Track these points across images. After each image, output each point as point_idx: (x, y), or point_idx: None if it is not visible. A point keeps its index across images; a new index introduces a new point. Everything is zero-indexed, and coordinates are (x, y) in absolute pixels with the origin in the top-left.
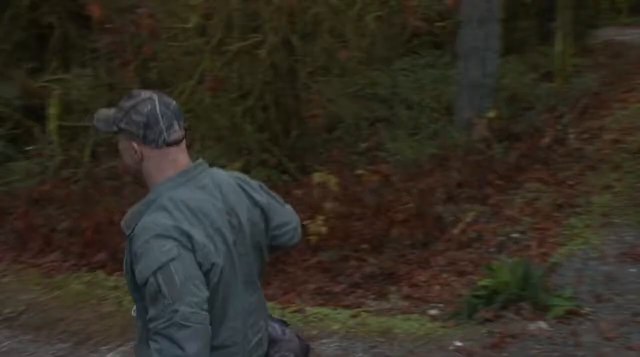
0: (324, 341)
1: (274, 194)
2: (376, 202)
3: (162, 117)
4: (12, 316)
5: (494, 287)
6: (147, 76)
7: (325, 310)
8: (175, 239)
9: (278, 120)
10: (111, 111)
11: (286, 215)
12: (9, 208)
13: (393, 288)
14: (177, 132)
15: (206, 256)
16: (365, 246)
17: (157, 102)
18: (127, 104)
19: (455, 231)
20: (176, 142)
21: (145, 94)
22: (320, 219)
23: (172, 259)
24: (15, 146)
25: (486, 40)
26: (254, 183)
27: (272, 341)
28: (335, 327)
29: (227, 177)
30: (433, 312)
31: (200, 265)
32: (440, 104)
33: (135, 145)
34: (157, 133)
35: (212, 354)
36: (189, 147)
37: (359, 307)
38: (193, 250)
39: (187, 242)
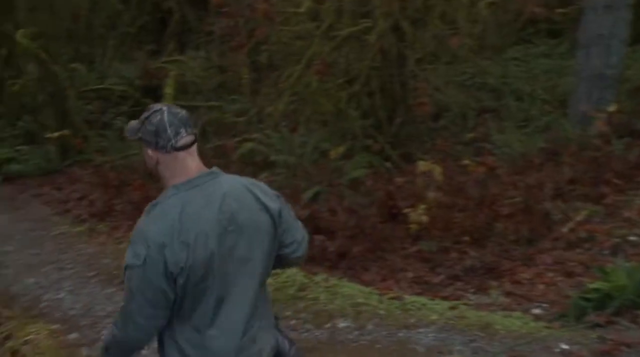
0: (421, 330)
1: (288, 207)
2: (480, 194)
3: (169, 125)
4: None
5: (608, 291)
6: (257, 59)
7: (423, 299)
8: (148, 247)
9: (383, 106)
10: (136, 123)
11: (296, 229)
12: (128, 180)
13: (494, 283)
14: (185, 137)
15: (176, 262)
16: (466, 238)
17: (165, 113)
18: (143, 116)
19: (565, 230)
20: (184, 147)
21: (157, 106)
22: (421, 208)
23: (137, 266)
24: None
25: (613, 28)
26: (270, 191)
27: (279, 354)
28: (434, 317)
29: (236, 184)
30: (536, 311)
31: (171, 272)
32: (554, 96)
33: (150, 151)
34: (165, 140)
35: (186, 332)
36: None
37: (457, 299)
38: (165, 259)
39: (159, 253)
